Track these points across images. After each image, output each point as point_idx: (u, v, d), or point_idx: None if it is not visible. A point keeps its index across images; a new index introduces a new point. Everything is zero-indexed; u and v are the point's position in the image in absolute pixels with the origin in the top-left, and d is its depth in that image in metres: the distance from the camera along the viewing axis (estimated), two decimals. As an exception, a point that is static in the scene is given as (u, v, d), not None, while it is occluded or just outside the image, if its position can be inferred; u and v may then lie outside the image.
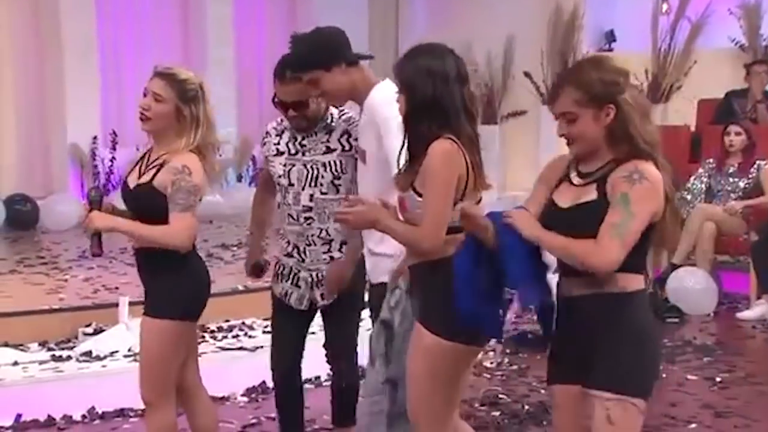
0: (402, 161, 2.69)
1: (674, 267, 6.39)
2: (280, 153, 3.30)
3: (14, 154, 8.59)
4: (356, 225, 2.74)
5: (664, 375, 4.89)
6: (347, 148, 3.23)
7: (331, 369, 3.50)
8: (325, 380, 4.66)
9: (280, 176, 3.29)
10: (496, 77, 9.50)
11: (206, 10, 9.42)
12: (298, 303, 3.33)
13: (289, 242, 3.33)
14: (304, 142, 3.26)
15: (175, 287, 3.01)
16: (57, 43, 8.59)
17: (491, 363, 5.00)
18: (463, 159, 2.58)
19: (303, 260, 3.30)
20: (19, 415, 4.08)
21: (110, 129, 8.84)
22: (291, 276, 3.34)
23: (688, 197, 6.72)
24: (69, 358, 4.49)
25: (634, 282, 2.41)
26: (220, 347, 4.75)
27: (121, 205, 3.15)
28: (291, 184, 3.27)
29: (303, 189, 3.25)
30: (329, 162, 3.23)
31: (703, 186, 6.72)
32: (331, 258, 3.29)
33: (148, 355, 3.04)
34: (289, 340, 3.38)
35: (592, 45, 9.27)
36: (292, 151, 3.28)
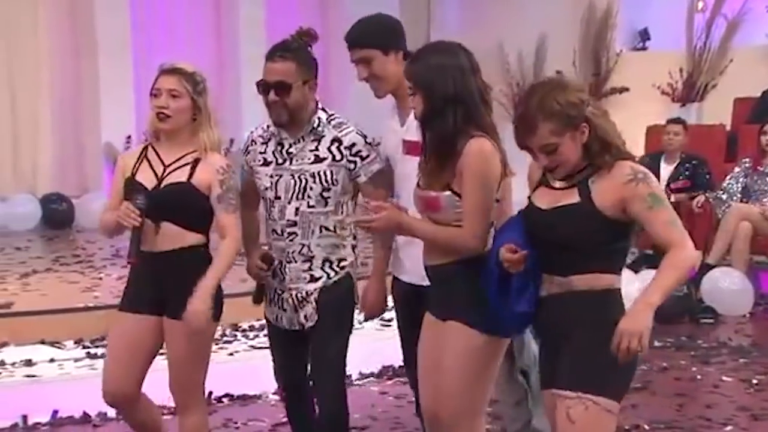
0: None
1: (709, 267, 6.32)
2: (266, 163, 3.05)
3: (50, 154, 8.71)
4: (381, 231, 2.73)
5: (699, 377, 4.86)
6: (338, 157, 3.00)
7: (314, 397, 3.20)
8: (356, 379, 4.68)
9: (266, 188, 3.04)
10: (528, 76, 9.44)
11: (238, 11, 9.48)
12: (290, 325, 3.11)
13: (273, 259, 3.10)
14: (291, 150, 3.02)
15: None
16: (92, 44, 8.70)
17: (523, 363, 4.96)
18: (498, 155, 2.62)
19: (283, 279, 3.06)
20: (55, 412, 4.12)
21: (144, 128, 8.92)
22: (276, 299, 3.11)
23: (724, 197, 6.65)
24: (104, 355, 4.52)
25: (605, 281, 2.43)
26: (251, 346, 4.77)
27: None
28: (278, 197, 3.02)
29: (290, 202, 3.01)
30: (318, 173, 2.99)
31: (739, 186, 6.64)
32: (312, 276, 3.04)
33: (191, 359, 3.00)
34: (290, 356, 3.16)
35: (625, 44, 9.20)
36: (279, 161, 3.03)
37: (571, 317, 2.42)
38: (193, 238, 2.98)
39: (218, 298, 3.03)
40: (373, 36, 3.01)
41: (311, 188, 2.99)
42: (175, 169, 2.98)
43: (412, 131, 2.95)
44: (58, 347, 4.62)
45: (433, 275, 2.72)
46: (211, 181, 2.95)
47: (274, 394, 4.42)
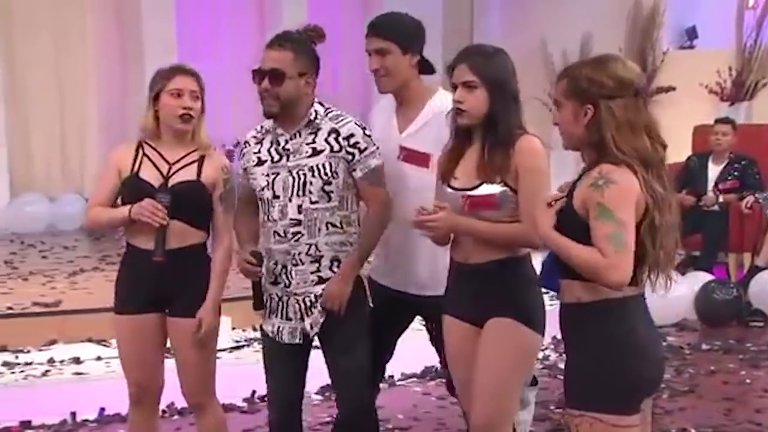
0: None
1: (758, 269, 6.20)
2: (261, 162, 2.92)
3: (97, 155, 8.82)
4: (439, 233, 2.69)
5: (748, 381, 4.77)
6: (336, 148, 2.87)
7: (337, 407, 3.08)
8: (399, 379, 4.67)
9: (262, 189, 2.90)
10: (573, 75, 9.35)
11: (282, 12, 9.54)
12: (291, 337, 2.95)
13: (276, 263, 2.91)
14: (288, 146, 2.89)
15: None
16: (138, 49, 8.81)
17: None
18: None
19: (289, 284, 2.90)
20: (102, 409, 4.17)
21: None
22: (279, 308, 2.96)
23: (775, 198, 6.52)
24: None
25: (593, 291, 2.26)
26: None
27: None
28: (276, 196, 2.88)
29: (290, 200, 2.86)
30: (317, 166, 2.85)
31: (791, 186, 6.51)
32: (320, 278, 2.90)
33: (201, 357, 3.01)
34: (286, 382, 3.02)
35: (672, 42, 9.05)
36: (275, 158, 2.90)
37: (568, 328, 2.34)
38: (197, 236, 3.00)
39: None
40: (397, 31, 2.99)
41: (311, 183, 2.86)
42: (181, 168, 2.97)
43: (415, 140, 2.95)
44: (105, 345, 4.68)
45: (472, 275, 2.69)
46: (216, 179, 2.99)
47: (316, 393, 4.44)
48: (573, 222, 2.25)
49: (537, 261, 2.77)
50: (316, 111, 2.92)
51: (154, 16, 8.75)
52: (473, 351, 2.66)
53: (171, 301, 2.99)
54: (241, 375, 4.28)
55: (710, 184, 6.74)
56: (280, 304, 2.96)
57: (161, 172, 2.97)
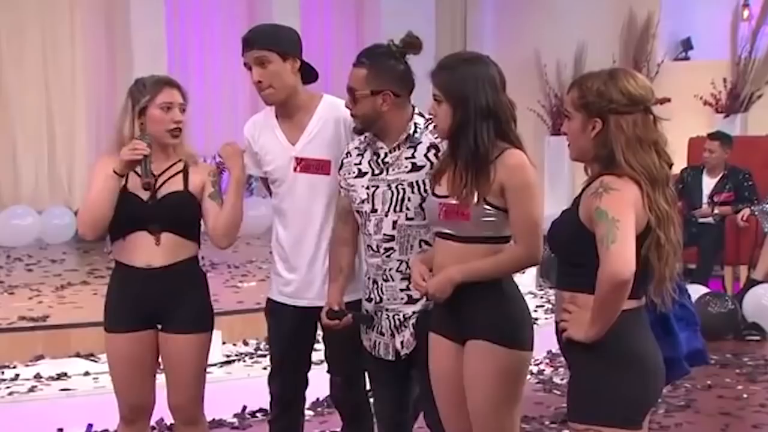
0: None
1: (755, 283, 6.16)
2: (362, 174, 2.87)
3: (85, 167, 8.74)
4: (442, 296, 2.55)
5: (745, 395, 4.72)
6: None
7: (427, 425, 2.93)
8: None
9: (362, 201, 2.85)
10: (566, 86, 9.32)
11: (273, 19, 9.51)
12: (385, 353, 2.90)
13: (369, 278, 2.90)
14: (387, 159, 2.83)
15: (206, 298, 3.01)
16: (128, 58, 8.75)
17: (562, 379, 4.87)
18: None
19: (380, 299, 2.86)
20: (90, 425, 4.11)
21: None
22: (374, 323, 2.92)
23: (770, 210, 6.49)
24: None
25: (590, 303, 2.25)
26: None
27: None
28: (374, 210, 2.83)
29: (387, 215, 2.81)
30: (416, 182, 2.78)
31: (786, 199, 6.48)
32: (410, 297, 2.82)
33: (199, 371, 3.00)
34: (385, 398, 2.98)
35: (667, 53, 9.05)
36: (376, 171, 2.84)
37: (569, 342, 2.30)
38: (188, 249, 2.98)
39: (209, 308, 3.02)
40: (272, 38, 2.99)
41: (409, 199, 2.79)
42: (167, 179, 2.96)
43: (311, 150, 2.98)
44: (93, 360, 4.62)
45: (452, 294, 2.61)
46: (204, 182, 2.98)
47: (308, 409, 4.36)
48: (572, 227, 2.28)
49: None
50: (416, 124, 2.84)
51: (143, 24, 8.70)
52: (455, 368, 2.60)
53: (164, 317, 2.96)
54: (231, 390, 4.22)
55: (705, 197, 6.71)
56: (374, 319, 2.92)
57: (153, 187, 2.94)
